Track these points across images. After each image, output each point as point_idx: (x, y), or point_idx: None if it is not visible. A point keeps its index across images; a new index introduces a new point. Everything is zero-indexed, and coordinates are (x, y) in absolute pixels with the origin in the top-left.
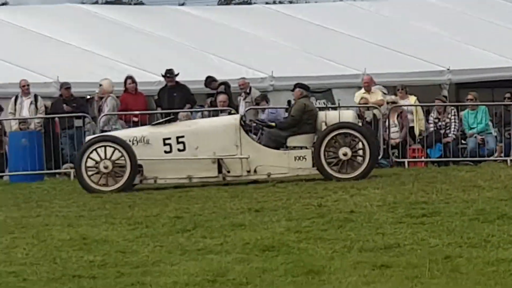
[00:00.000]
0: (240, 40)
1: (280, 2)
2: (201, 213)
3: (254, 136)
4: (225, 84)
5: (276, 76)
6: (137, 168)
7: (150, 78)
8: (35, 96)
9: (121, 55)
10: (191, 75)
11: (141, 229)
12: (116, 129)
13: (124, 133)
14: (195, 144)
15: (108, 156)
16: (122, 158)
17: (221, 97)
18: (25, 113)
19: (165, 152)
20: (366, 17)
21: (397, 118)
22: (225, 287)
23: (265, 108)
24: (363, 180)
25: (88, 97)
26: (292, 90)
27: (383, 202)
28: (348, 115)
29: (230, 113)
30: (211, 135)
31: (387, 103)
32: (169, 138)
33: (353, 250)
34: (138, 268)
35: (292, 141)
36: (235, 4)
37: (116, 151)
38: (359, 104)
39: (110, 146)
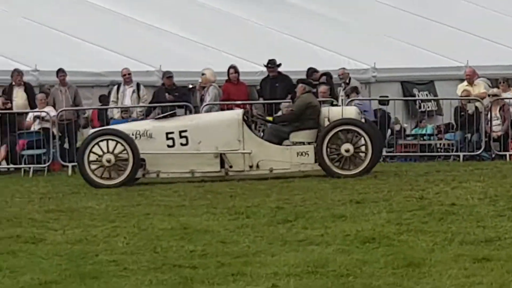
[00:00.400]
0: (343, 31)
1: None
2: (302, 204)
3: (256, 132)
4: (327, 74)
5: (379, 67)
6: (139, 162)
7: (252, 68)
8: (138, 85)
9: (224, 45)
10: (293, 65)
11: (242, 219)
12: None
13: (127, 127)
14: (197, 138)
15: (110, 150)
16: (125, 151)
17: (322, 88)
18: (127, 102)
19: (168, 146)
20: (469, 8)
21: (499, 111)
22: (326, 278)
23: (354, 100)
24: (464, 173)
25: (190, 86)
26: (296, 86)
27: (484, 195)
28: (351, 112)
29: (332, 104)
30: (214, 130)
31: (489, 95)
32: (172, 133)
33: (453, 243)
34: (238, 259)
35: (295, 136)
36: None
37: (119, 145)
38: (461, 96)
39: (112, 140)
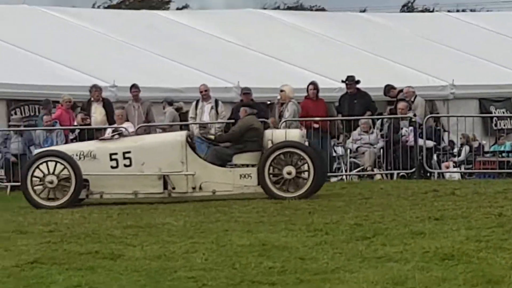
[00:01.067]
0: (420, 47)
1: (462, 10)
2: (380, 220)
3: (200, 153)
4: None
5: (457, 84)
6: (82, 183)
7: (331, 84)
8: (216, 101)
9: (301, 61)
10: (371, 82)
11: (321, 235)
12: None
13: (70, 148)
14: (141, 160)
15: (51, 171)
16: (67, 171)
17: (401, 105)
18: (206, 118)
19: (112, 167)
20: None
21: None
22: None
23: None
24: None
25: (269, 102)
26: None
27: None
28: (295, 134)
29: (410, 121)
30: (157, 152)
31: None
32: (116, 154)
33: None
34: (317, 275)
35: (238, 158)
36: (417, 11)
37: (59, 165)
38: None
39: (52, 161)
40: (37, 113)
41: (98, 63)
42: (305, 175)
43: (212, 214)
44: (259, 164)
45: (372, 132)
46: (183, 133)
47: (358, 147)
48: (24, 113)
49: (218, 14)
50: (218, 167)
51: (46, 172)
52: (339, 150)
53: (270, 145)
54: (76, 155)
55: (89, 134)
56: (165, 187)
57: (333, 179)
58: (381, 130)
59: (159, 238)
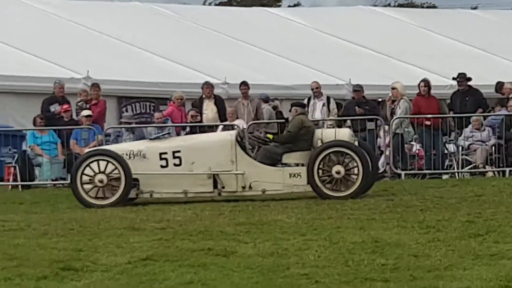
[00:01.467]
0: None
1: None
2: (493, 218)
3: (250, 153)
4: None
5: None
6: (131, 182)
7: (442, 81)
8: (328, 98)
9: (411, 58)
10: (483, 79)
11: (433, 233)
12: (408, 132)
13: (121, 147)
14: (191, 159)
15: (102, 170)
16: (117, 171)
17: None
18: (317, 115)
19: (161, 166)
20: None
21: None
22: None
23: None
24: None
25: (380, 99)
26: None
27: None
28: (345, 133)
29: None
30: (207, 151)
31: None
32: (166, 153)
33: None
34: (430, 272)
35: (287, 157)
36: None
37: (110, 165)
38: None
39: (103, 160)
40: (148, 111)
41: (210, 60)
42: (354, 174)
43: (324, 211)
44: (308, 163)
45: (484, 129)
46: (233, 132)
47: (470, 144)
48: (135, 110)
49: (329, 11)
50: (268, 166)
51: (96, 171)
52: (451, 147)
53: (320, 144)
54: (126, 155)
55: (200, 131)
56: (215, 186)
57: (444, 176)
58: (492, 128)
59: (272, 235)
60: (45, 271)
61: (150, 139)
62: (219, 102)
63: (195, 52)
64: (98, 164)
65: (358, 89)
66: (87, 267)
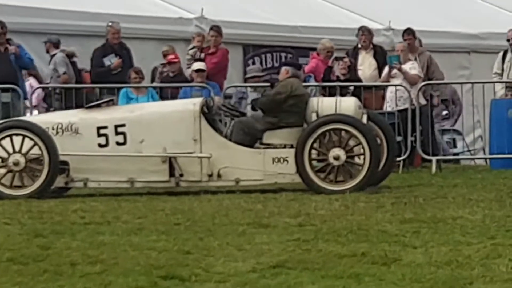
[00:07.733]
0: None
1: None
2: None
3: (223, 128)
4: None
5: None
6: (58, 166)
7: None
8: None
9: None
10: None
11: None
12: None
13: (44, 118)
14: (139, 136)
15: (18, 149)
16: (38, 149)
17: None
18: None
19: (100, 145)
20: None
21: None
22: None
23: None
24: None
25: None
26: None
27: None
28: (349, 104)
29: None
30: (162, 126)
31: None
32: (105, 127)
33: None
34: None
35: (270, 136)
36: None
37: (28, 141)
38: None
39: (18, 135)
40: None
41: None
42: (359, 160)
43: None
44: (297, 144)
45: None
46: (197, 100)
47: None
48: (266, 64)
49: None
50: (244, 148)
51: (10, 150)
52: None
53: (314, 118)
54: (53, 129)
55: (355, 93)
56: (172, 174)
57: None
58: None
59: (449, 238)
60: (140, 280)
61: (86, 107)
62: (379, 55)
63: None
64: (11, 140)
65: None
66: (197, 275)
